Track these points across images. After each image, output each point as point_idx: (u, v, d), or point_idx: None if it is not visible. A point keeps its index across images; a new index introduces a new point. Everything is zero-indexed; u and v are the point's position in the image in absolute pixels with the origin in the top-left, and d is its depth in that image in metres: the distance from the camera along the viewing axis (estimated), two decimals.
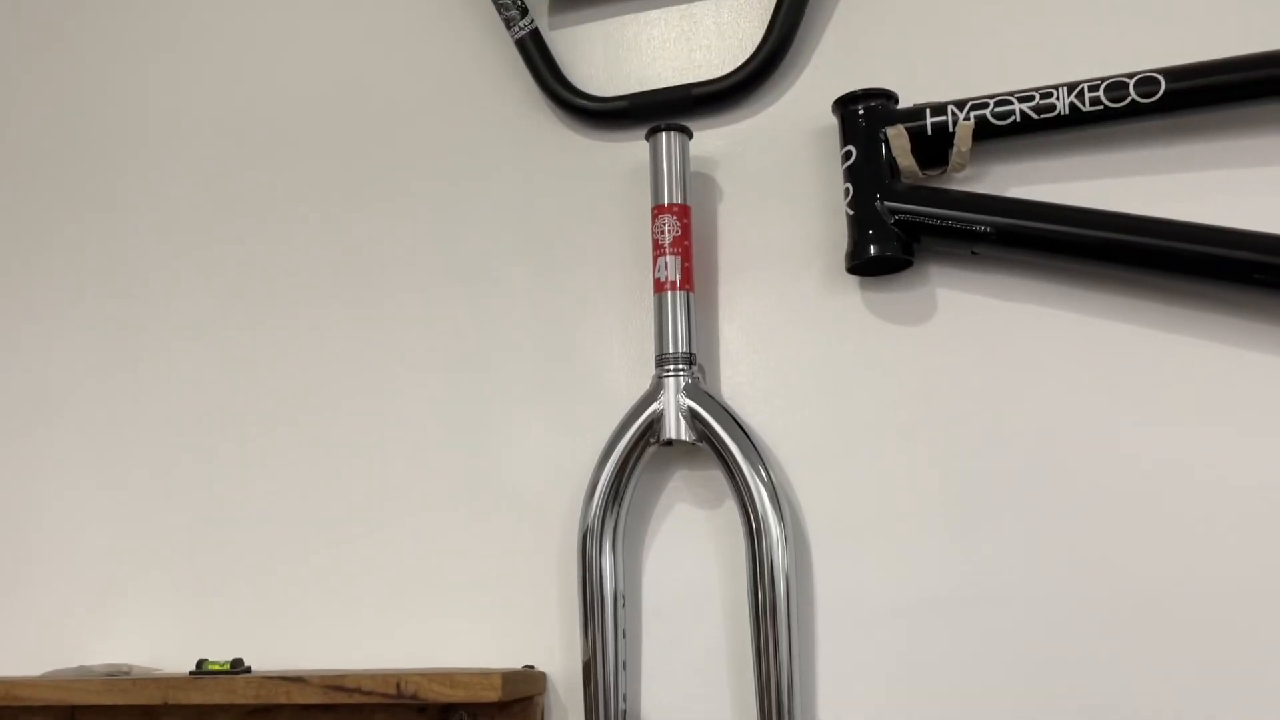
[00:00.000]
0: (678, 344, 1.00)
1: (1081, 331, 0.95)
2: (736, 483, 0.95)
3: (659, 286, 1.01)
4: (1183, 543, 0.90)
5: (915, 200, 0.96)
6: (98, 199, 1.33)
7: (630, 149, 1.12)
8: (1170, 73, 0.91)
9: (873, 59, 1.07)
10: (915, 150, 0.98)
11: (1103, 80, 0.92)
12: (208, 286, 1.25)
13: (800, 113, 1.08)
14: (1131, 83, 0.91)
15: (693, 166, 1.08)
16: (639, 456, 1.00)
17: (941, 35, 1.05)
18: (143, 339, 1.26)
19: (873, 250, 0.97)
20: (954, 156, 0.98)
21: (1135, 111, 0.92)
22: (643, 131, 1.07)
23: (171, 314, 1.25)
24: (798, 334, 1.03)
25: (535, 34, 1.16)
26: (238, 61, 1.31)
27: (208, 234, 1.27)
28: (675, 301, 1.00)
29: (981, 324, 0.98)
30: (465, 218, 1.17)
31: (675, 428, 0.98)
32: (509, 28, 1.16)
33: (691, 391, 0.98)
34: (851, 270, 1.00)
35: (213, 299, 1.24)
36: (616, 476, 0.99)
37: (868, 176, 0.98)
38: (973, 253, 0.97)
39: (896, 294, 1.01)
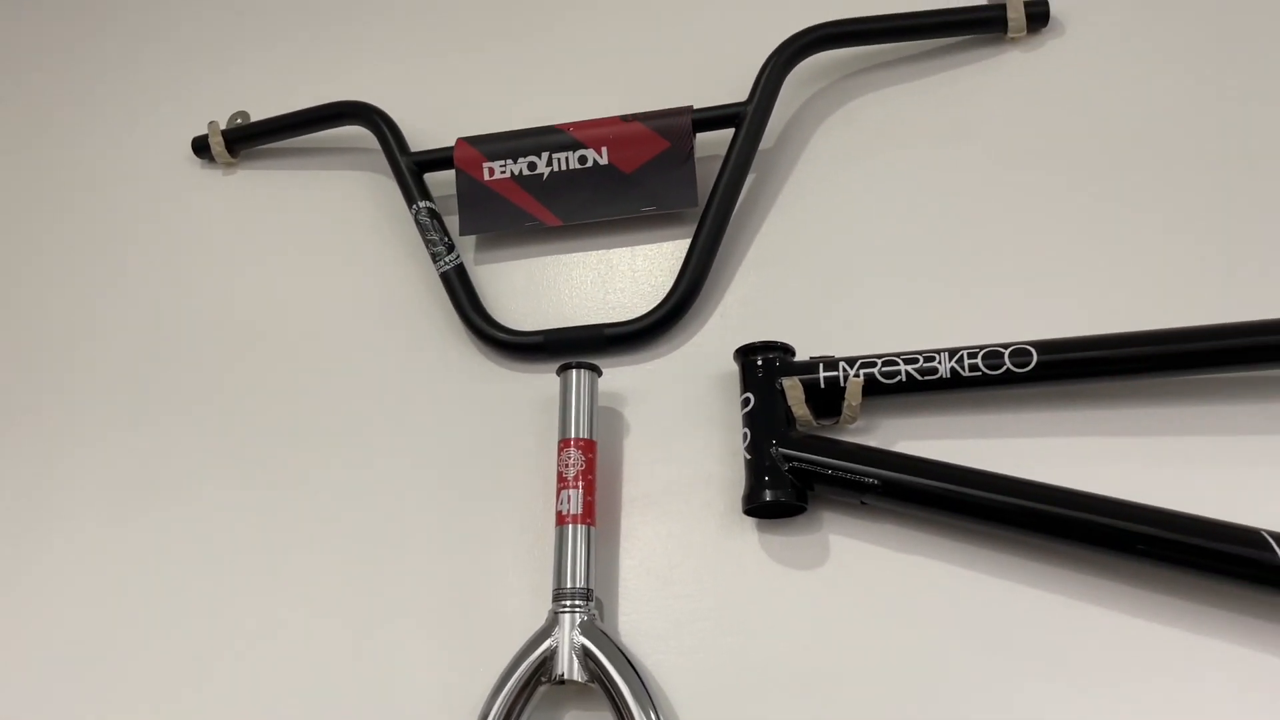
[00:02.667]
0: (575, 579, 1.00)
1: (966, 587, 0.97)
2: None
3: (560, 519, 1.03)
4: None
5: (808, 449, 1.01)
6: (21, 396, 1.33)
7: (545, 381, 1.16)
8: (1041, 345, 0.98)
9: (774, 312, 1.15)
10: (810, 401, 1.04)
11: (981, 348, 0.99)
12: (115, 482, 1.24)
13: (705, 357, 1.14)
14: (1006, 352, 0.98)
15: (602, 402, 1.12)
16: (530, 694, 0.98)
17: (839, 296, 1.13)
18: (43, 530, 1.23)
19: (767, 495, 1.00)
20: (845, 410, 1.03)
21: (1010, 379, 0.98)
22: (556, 366, 1.11)
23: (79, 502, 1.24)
24: (696, 573, 1.04)
25: (460, 269, 1.22)
26: (168, 270, 1.36)
27: (117, 436, 1.27)
28: (575, 535, 1.02)
29: (871, 573, 1.00)
30: (378, 437, 1.19)
31: (568, 666, 0.97)
32: (435, 262, 1.22)
33: (587, 629, 0.98)
34: (748, 513, 1.03)
35: (115, 503, 1.23)
36: (506, 714, 0.97)
37: (764, 423, 1.03)
38: (862, 502, 1.01)
39: (791, 538, 1.03)
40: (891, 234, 1.15)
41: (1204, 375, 0.98)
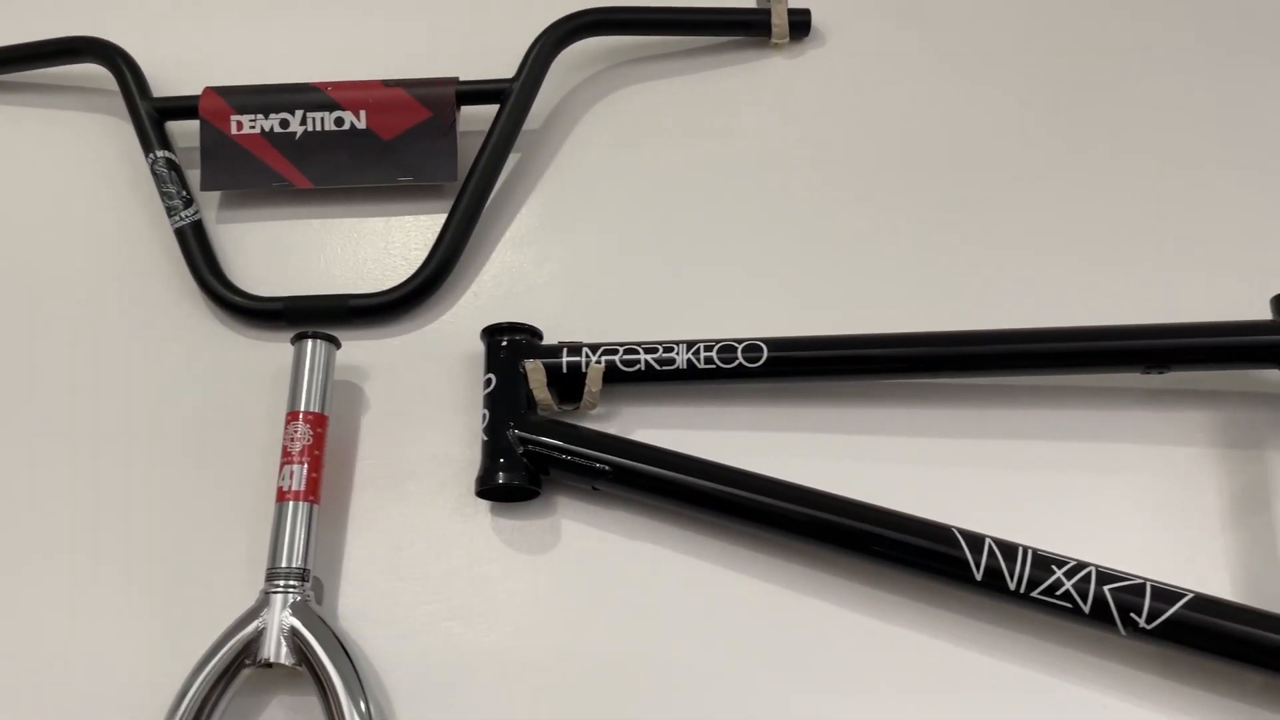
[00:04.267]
0: (291, 558, 0.95)
1: (692, 574, 0.99)
2: (332, 715, 0.90)
3: (281, 495, 0.98)
4: None
5: (544, 433, 1.00)
6: None
7: (285, 352, 1.10)
8: (772, 342, 1.01)
9: (528, 294, 1.13)
10: (553, 386, 1.03)
11: (716, 342, 1.01)
12: None
13: (455, 336, 1.11)
14: (740, 347, 1.01)
15: (342, 376, 1.07)
16: (232, 677, 0.92)
17: (592, 283, 1.13)
18: None
19: (500, 478, 0.99)
20: (586, 395, 1.03)
21: (742, 373, 1.01)
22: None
23: None
24: (424, 556, 1.01)
25: (197, 226, 1.14)
26: None
27: None
28: (296, 513, 0.97)
29: (601, 559, 1.00)
30: (95, 403, 1.10)
31: (274, 648, 0.92)
32: (170, 216, 1.14)
33: (299, 610, 0.94)
34: (480, 495, 1.01)
35: None
36: (205, 698, 0.91)
37: (504, 405, 1.01)
38: (594, 488, 1.01)
39: (524, 522, 1.02)
40: (647, 225, 1.16)
41: (920, 380, 1.04)
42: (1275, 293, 0.98)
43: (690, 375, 1.02)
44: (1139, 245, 1.11)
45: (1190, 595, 0.86)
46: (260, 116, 1.17)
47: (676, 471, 0.97)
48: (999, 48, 1.25)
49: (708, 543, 1.00)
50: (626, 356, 1.02)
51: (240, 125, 1.17)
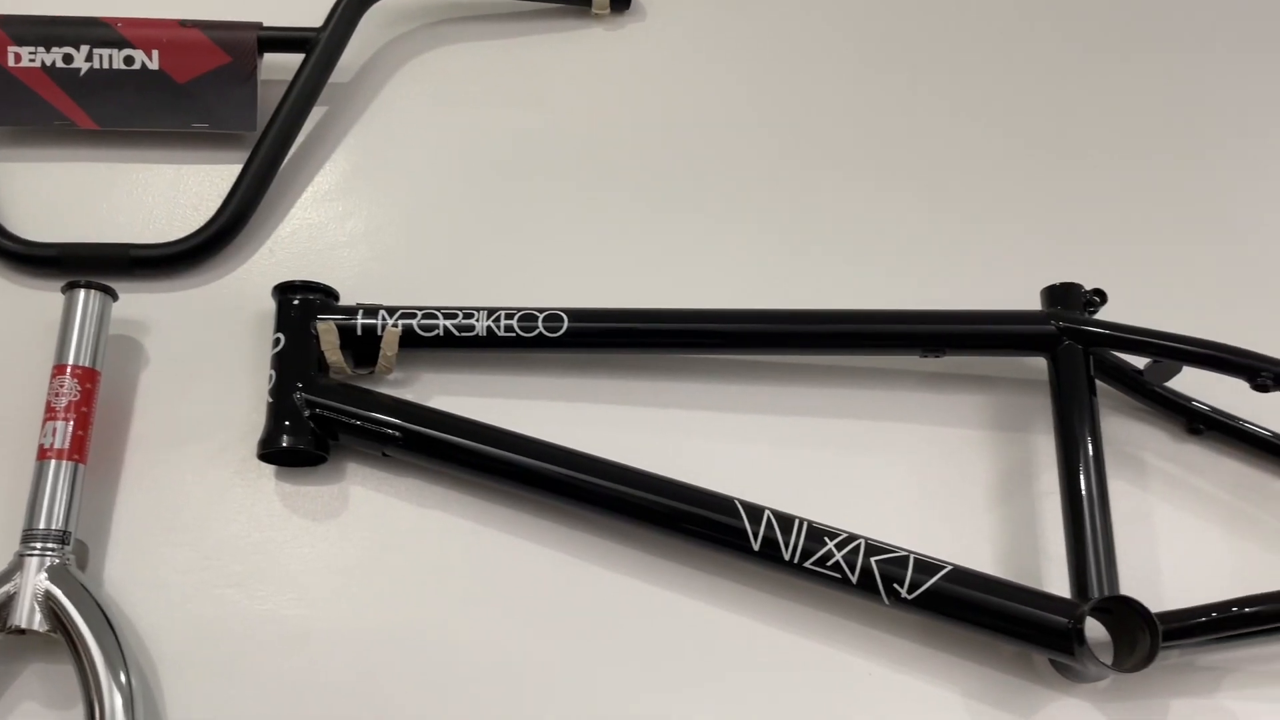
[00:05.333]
0: (51, 520, 0.89)
1: (482, 543, 0.98)
2: (89, 685, 0.85)
3: (42, 453, 0.92)
4: None
5: (333, 397, 0.97)
6: None
7: (57, 302, 1.03)
8: (573, 313, 1.01)
9: (327, 254, 1.10)
10: (348, 348, 1.00)
11: (517, 310, 1.00)
12: None
13: (246, 293, 1.06)
14: (541, 316, 1.00)
15: (119, 330, 1.01)
16: None
17: (395, 244, 1.11)
18: None
19: (285, 441, 0.95)
20: (381, 360, 1.00)
21: (543, 342, 1.00)
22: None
23: None
24: (201, 521, 0.97)
25: None
26: None
27: None
28: (58, 472, 0.91)
29: (390, 527, 0.98)
30: None
31: (26, 614, 0.87)
32: None
33: (56, 574, 0.88)
34: (263, 458, 0.98)
35: None
36: None
37: (293, 366, 0.98)
38: (384, 454, 0.99)
39: (310, 488, 0.99)
40: (456, 190, 1.14)
41: (713, 355, 1.06)
42: (1046, 285, 1.05)
43: (490, 343, 1.00)
44: (925, 236, 1.16)
45: (949, 568, 0.91)
46: (41, 49, 1.09)
47: (469, 439, 0.96)
48: (817, 35, 1.28)
49: (500, 511, 0.99)
50: (425, 321, 1.00)
51: (18, 57, 1.09)
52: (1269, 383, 0.95)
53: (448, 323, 1.00)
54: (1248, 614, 0.91)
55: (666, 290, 1.08)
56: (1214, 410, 1.05)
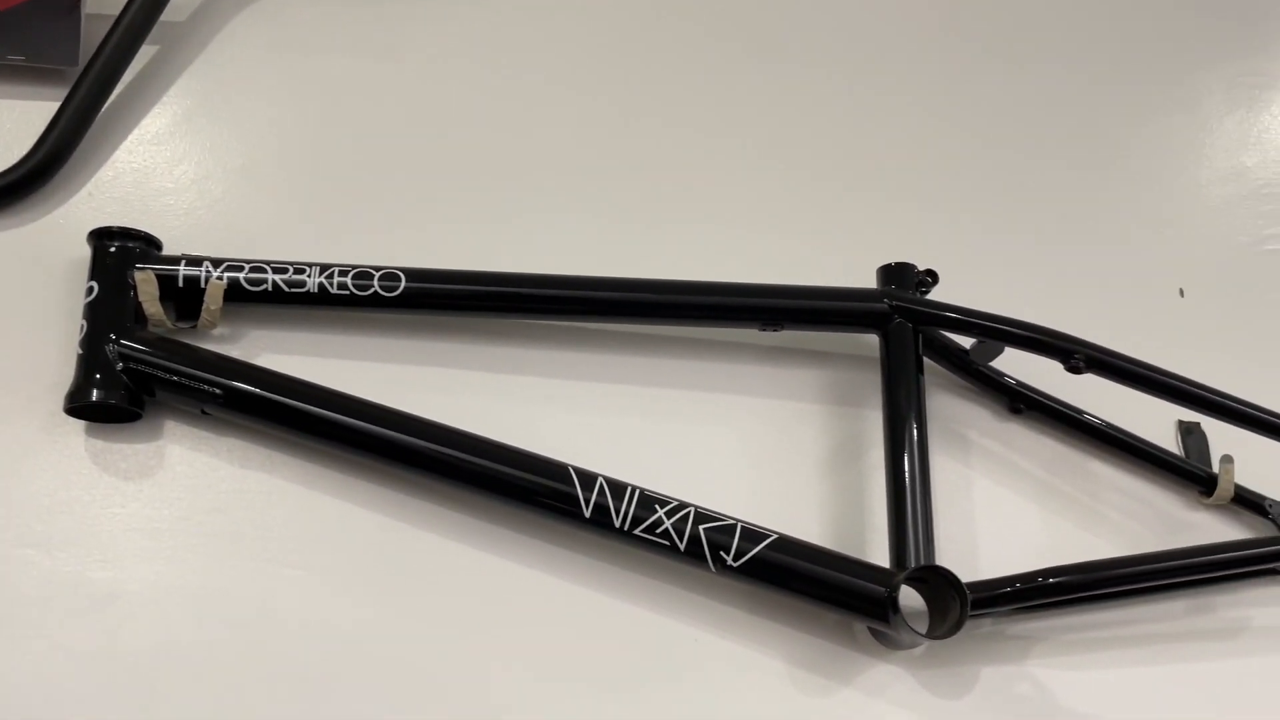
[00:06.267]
0: None
1: (309, 506, 0.95)
2: None
3: None
4: None
5: (150, 350, 0.92)
6: None
7: None
8: (411, 273, 0.98)
9: (153, 200, 1.04)
10: (169, 300, 0.95)
11: (353, 267, 0.97)
12: None
13: (60, 238, 1.00)
14: (377, 275, 0.97)
15: None
16: None
17: (226, 194, 1.06)
18: None
19: (94, 395, 0.90)
20: (204, 313, 0.96)
21: (378, 302, 0.97)
22: None
23: None
24: (2, 477, 0.92)
25: None
26: None
27: None
28: None
29: (208, 488, 0.94)
30: None
31: None
32: None
33: None
34: (71, 413, 0.92)
35: None
36: None
37: (107, 317, 0.92)
38: (204, 412, 0.94)
39: (123, 445, 0.94)
40: (292, 140, 1.10)
41: (555, 322, 1.05)
42: (881, 264, 1.07)
43: (322, 300, 0.97)
44: (770, 212, 1.17)
45: (774, 537, 0.92)
46: None
47: (294, 399, 0.92)
48: (665, 3, 1.27)
49: (328, 475, 0.96)
50: (252, 275, 0.96)
51: None
52: (1081, 364, 1.00)
53: (277, 277, 0.96)
54: (1052, 584, 0.96)
55: (508, 255, 1.06)
56: (1034, 391, 1.10)
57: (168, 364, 0.92)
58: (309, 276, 0.97)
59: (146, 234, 0.96)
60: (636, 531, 0.91)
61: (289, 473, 0.96)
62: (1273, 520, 1.10)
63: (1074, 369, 1.00)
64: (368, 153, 1.11)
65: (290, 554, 0.93)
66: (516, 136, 1.15)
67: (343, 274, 0.97)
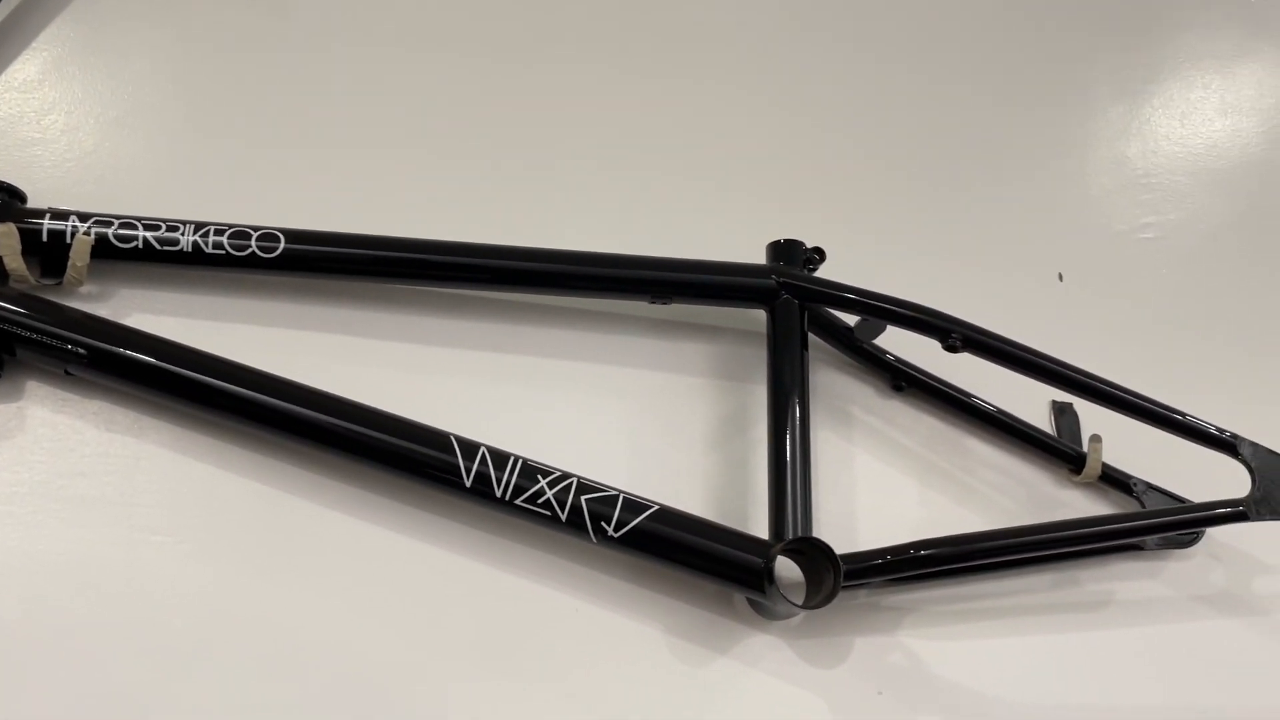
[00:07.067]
0: None
1: (178, 473, 0.92)
2: None
3: None
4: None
5: (10, 307, 0.88)
6: None
7: None
8: (290, 234, 0.96)
9: (20, 150, 1.00)
10: (33, 255, 0.91)
11: (229, 226, 0.95)
12: None
13: None
14: (255, 235, 0.95)
15: None
16: None
17: (101, 147, 1.02)
18: None
19: None
20: (70, 270, 0.92)
21: (255, 263, 0.95)
22: None
23: None
24: None
25: None
26: None
27: None
28: None
29: (71, 451, 0.91)
30: None
31: None
32: None
33: None
34: None
35: None
36: None
37: None
38: (67, 373, 0.91)
39: None
40: (170, 93, 1.06)
41: (439, 289, 1.04)
42: (771, 240, 1.08)
43: (196, 260, 0.94)
44: (664, 186, 1.18)
45: (655, 508, 0.93)
46: None
47: (162, 360, 0.89)
48: None
49: (197, 439, 0.94)
50: (122, 231, 0.92)
51: None
52: (958, 344, 1.02)
53: (148, 234, 0.93)
54: (923, 556, 0.98)
55: (394, 219, 1.03)
56: (916, 369, 1.12)
57: (30, 322, 0.88)
58: (182, 235, 0.94)
59: (9, 185, 0.92)
60: (518, 501, 0.91)
61: (157, 437, 0.93)
62: (1137, 498, 1.14)
63: (951, 348, 1.02)
64: (251, 110, 1.07)
65: (157, 520, 0.90)
66: (406, 97, 1.13)
67: (218, 233, 0.94)
